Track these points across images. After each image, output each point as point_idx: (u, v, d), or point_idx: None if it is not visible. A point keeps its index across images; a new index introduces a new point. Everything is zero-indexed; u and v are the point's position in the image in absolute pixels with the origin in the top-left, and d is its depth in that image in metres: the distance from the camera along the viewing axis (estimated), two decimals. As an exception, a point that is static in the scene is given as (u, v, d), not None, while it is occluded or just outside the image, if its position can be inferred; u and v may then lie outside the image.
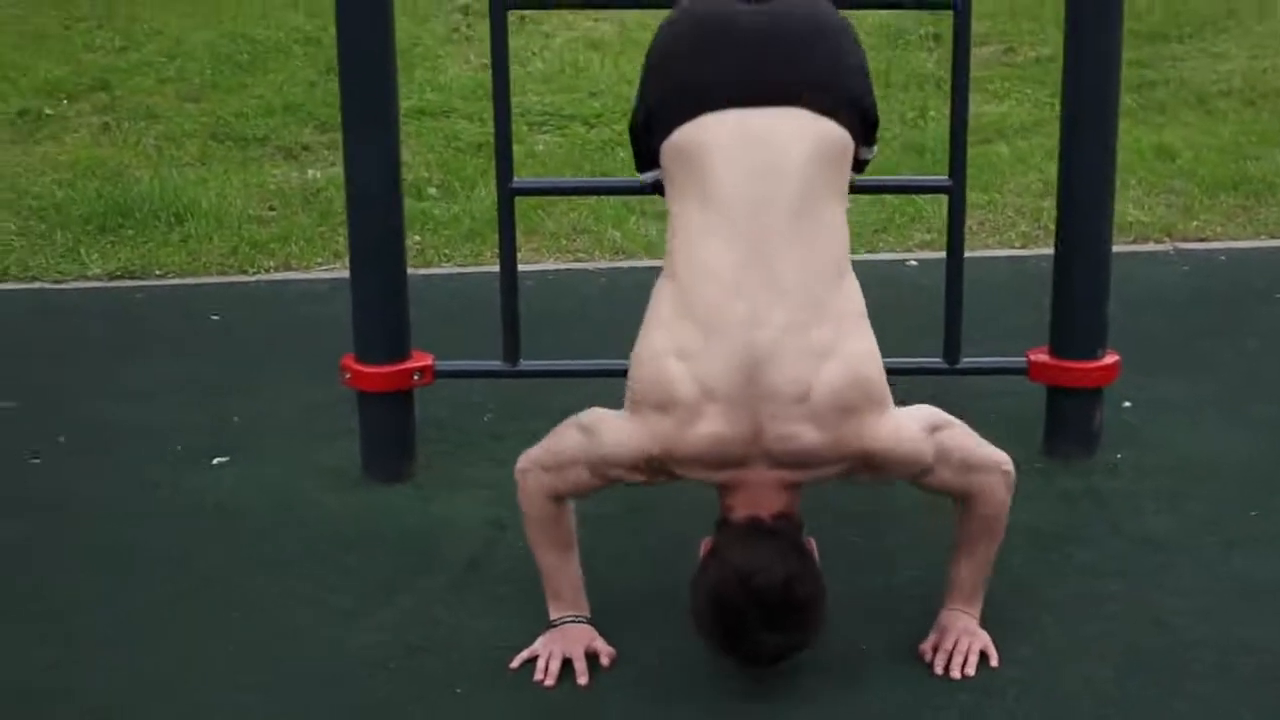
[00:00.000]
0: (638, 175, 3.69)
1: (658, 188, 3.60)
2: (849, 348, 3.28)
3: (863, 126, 3.51)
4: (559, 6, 9.56)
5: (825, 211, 3.38)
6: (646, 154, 3.56)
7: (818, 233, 3.34)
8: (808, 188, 3.35)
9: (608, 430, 3.39)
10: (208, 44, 9.34)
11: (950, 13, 4.18)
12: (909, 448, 3.33)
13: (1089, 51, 4.19)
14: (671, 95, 3.45)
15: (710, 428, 3.24)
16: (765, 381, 3.21)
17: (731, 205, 3.32)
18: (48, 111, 8.26)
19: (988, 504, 3.46)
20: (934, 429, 3.38)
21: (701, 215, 3.35)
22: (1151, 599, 3.71)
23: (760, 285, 3.25)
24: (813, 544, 3.39)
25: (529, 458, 3.54)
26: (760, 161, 3.34)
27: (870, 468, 3.34)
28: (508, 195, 4.29)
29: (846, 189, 3.48)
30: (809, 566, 3.30)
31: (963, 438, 3.42)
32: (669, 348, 3.28)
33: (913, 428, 3.35)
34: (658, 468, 3.35)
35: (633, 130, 3.60)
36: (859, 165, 3.59)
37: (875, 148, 3.65)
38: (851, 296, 3.37)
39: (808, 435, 3.24)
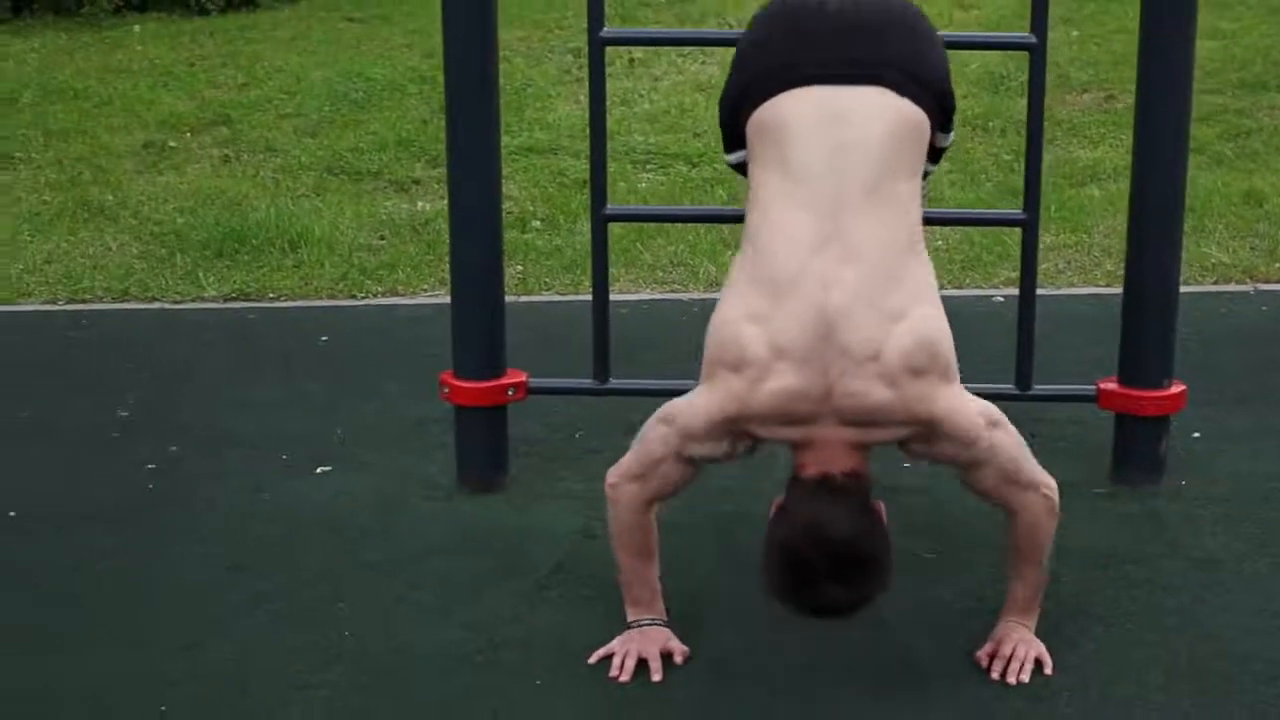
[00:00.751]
0: (725, 157, 3.87)
1: (740, 168, 3.78)
2: (919, 312, 3.42)
3: (940, 111, 3.69)
4: (655, 43, 9.83)
5: (900, 186, 3.53)
6: (733, 133, 3.74)
7: (892, 205, 3.49)
8: (884, 163, 3.51)
9: (685, 407, 3.56)
10: (325, 82, 9.63)
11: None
12: (967, 423, 3.46)
13: (1158, 101, 4.35)
14: (759, 74, 3.63)
15: (781, 383, 3.38)
16: (837, 340, 3.35)
17: (810, 175, 3.48)
18: (171, 144, 8.55)
19: (1027, 522, 3.59)
20: (992, 425, 3.51)
21: (782, 183, 3.51)
22: (1205, 615, 3.85)
23: (834, 249, 3.40)
24: (881, 506, 3.50)
25: (617, 472, 3.71)
26: (840, 135, 3.51)
27: (929, 437, 3.47)
28: (601, 220, 4.51)
29: (922, 168, 3.65)
30: (876, 524, 3.43)
31: (1015, 444, 3.56)
32: (742, 312, 3.45)
33: (974, 409, 3.49)
34: (735, 429, 3.49)
35: (721, 109, 3.79)
36: (935, 153, 3.77)
37: (952, 135, 3.82)
38: (924, 269, 3.52)
39: (877, 393, 3.38)
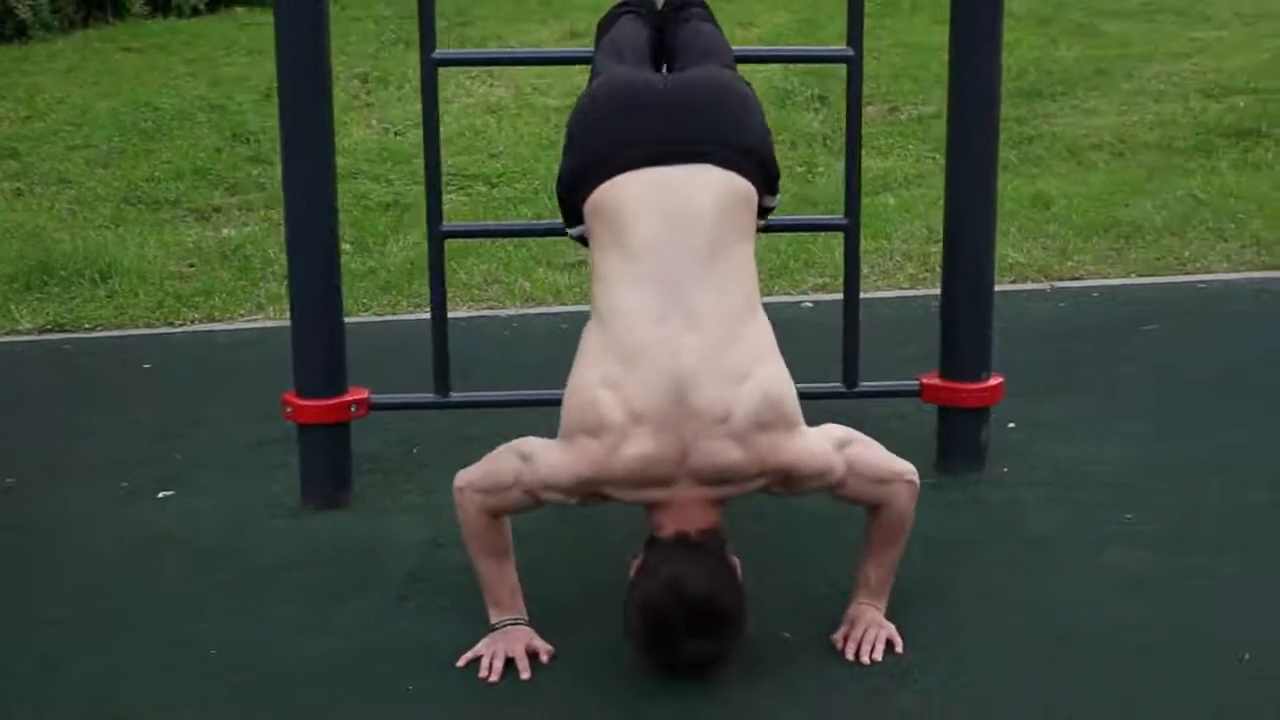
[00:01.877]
0: (566, 231, 4.02)
1: (583, 240, 3.93)
2: (762, 371, 3.60)
3: (764, 177, 3.86)
4: (487, 63, 9.93)
5: (734, 254, 3.71)
6: (572, 212, 3.90)
7: (729, 273, 3.67)
8: (717, 233, 3.68)
9: (544, 458, 3.67)
10: (112, 112, 9.58)
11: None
12: (821, 462, 3.65)
13: (970, 108, 4.56)
14: (590, 159, 3.79)
15: (639, 448, 3.54)
16: (689, 404, 3.52)
17: (648, 252, 3.65)
18: (-40, 179, 8.47)
19: (895, 510, 3.79)
20: (843, 445, 3.71)
21: (621, 264, 3.68)
22: (1038, 590, 4.07)
23: (678, 319, 3.57)
24: (737, 561, 3.68)
25: (465, 478, 3.82)
26: (673, 212, 3.68)
27: (786, 482, 3.65)
28: (438, 237, 4.61)
29: (753, 233, 3.82)
30: (733, 580, 3.60)
31: (869, 452, 3.76)
32: (597, 379, 3.59)
33: (824, 444, 3.68)
34: (591, 490, 3.65)
35: (559, 191, 3.93)
36: (763, 212, 3.94)
37: (777, 196, 4.01)
38: (763, 329, 3.70)
39: (730, 452, 3.55)
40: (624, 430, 3.54)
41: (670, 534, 3.61)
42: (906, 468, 3.79)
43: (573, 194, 3.86)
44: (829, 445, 3.69)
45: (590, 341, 3.69)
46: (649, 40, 4.30)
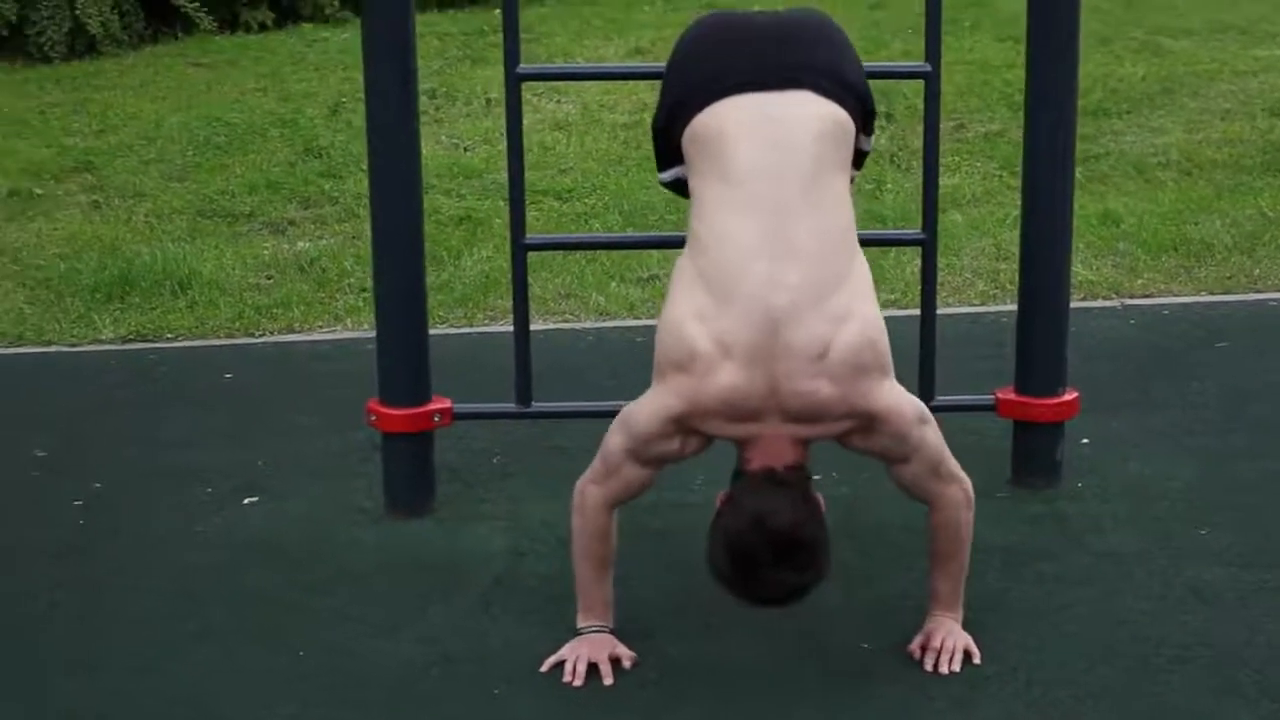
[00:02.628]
0: (659, 177, 4.06)
1: (676, 185, 3.97)
2: (865, 312, 3.63)
3: (862, 114, 3.90)
4: (570, 78, 10.01)
5: (834, 183, 3.73)
6: (667, 151, 3.93)
7: (828, 201, 3.69)
8: (817, 160, 3.71)
9: (638, 409, 3.73)
10: (184, 126, 9.67)
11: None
12: (906, 418, 3.68)
13: (1046, 126, 4.61)
14: (691, 87, 3.83)
15: (728, 379, 3.56)
16: (783, 340, 3.53)
17: (748, 178, 3.67)
18: (37, 191, 8.56)
19: (948, 516, 3.82)
20: (922, 420, 3.74)
21: (721, 189, 3.70)
22: (1115, 604, 4.12)
23: (777, 249, 3.58)
24: (820, 498, 3.70)
25: (583, 478, 3.88)
26: (773, 137, 3.71)
27: (866, 430, 3.66)
28: (521, 249, 4.69)
29: (850, 165, 3.85)
30: (815, 513, 3.63)
31: (939, 441, 3.79)
32: (688, 311, 3.61)
33: (909, 406, 3.71)
34: (685, 427, 3.66)
35: (655, 128, 3.97)
36: (859, 157, 3.98)
37: (872, 139, 4.04)
38: (861, 266, 3.72)
39: (823, 390, 3.56)
40: (713, 361, 3.56)
41: (758, 468, 3.64)
42: (964, 476, 3.84)
43: (669, 127, 3.88)
44: (913, 412, 3.72)
45: (684, 272, 3.71)
46: None
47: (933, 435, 3.76)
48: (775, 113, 3.74)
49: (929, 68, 4.60)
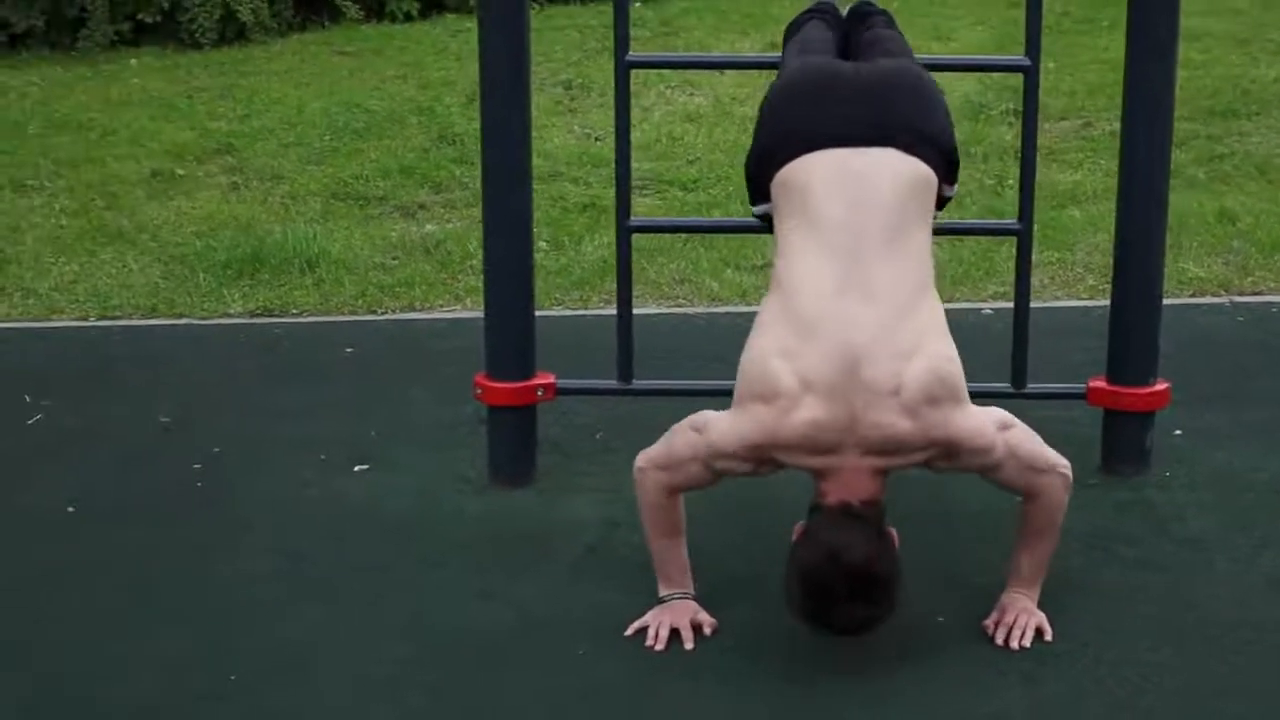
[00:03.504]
0: (751, 209, 4.22)
1: (765, 219, 4.14)
2: (933, 348, 3.77)
3: (945, 166, 4.04)
4: (676, 66, 10.16)
5: (913, 237, 3.89)
6: (758, 189, 4.10)
7: (906, 254, 3.85)
8: (898, 216, 3.87)
9: (717, 425, 3.88)
10: (325, 112, 9.92)
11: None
12: (985, 439, 3.81)
13: (1142, 127, 4.72)
14: (781, 137, 4.00)
15: (809, 414, 3.72)
16: (861, 376, 3.69)
17: (831, 229, 3.84)
18: (179, 172, 8.83)
19: (1047, 501, 3.93)
20: (1004, 427, 3.86)
21: (805, 237, 3.87)
22: (1190, 588, 4.20)
23: (856, 293, 3.75)
24: (894, 532, 3.86)
25: (646, 457, 4.04)
26: (858, 193, 3.87)
27: (949, 456, 3.82)
28: (626, 231, 4.83)
29: (931, 219, 4.00)
30: (889, 548, 3.78)
31: (1027, 438, 3.91)
32: (773, 348, 3.78)
33: (987, 423, 3.84)
34: (762, 456, 3.83)
35: (748, 168, 4.14)
36: (941, 202, 4.10)
37: (956, 186, 4.16)
38: (935, 308, 3.88)
39: (900, 424, 3.72)
40: (795, 397, 3.72)
41: (834, 502, 3.78)
42: (1061, 460, 3.94)
43: (761, 170, 4.05)
44: (992, 425, 3.84)
45: (769, 311, 3.88)
46: (835, 43, 4.49)
47: (1019, 436, 3.88)
48: (861, 169, 3.90)
49: (1028, 62, 4.69)
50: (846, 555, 3.67)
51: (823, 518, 3.79)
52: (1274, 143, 8.79)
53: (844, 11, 4.70)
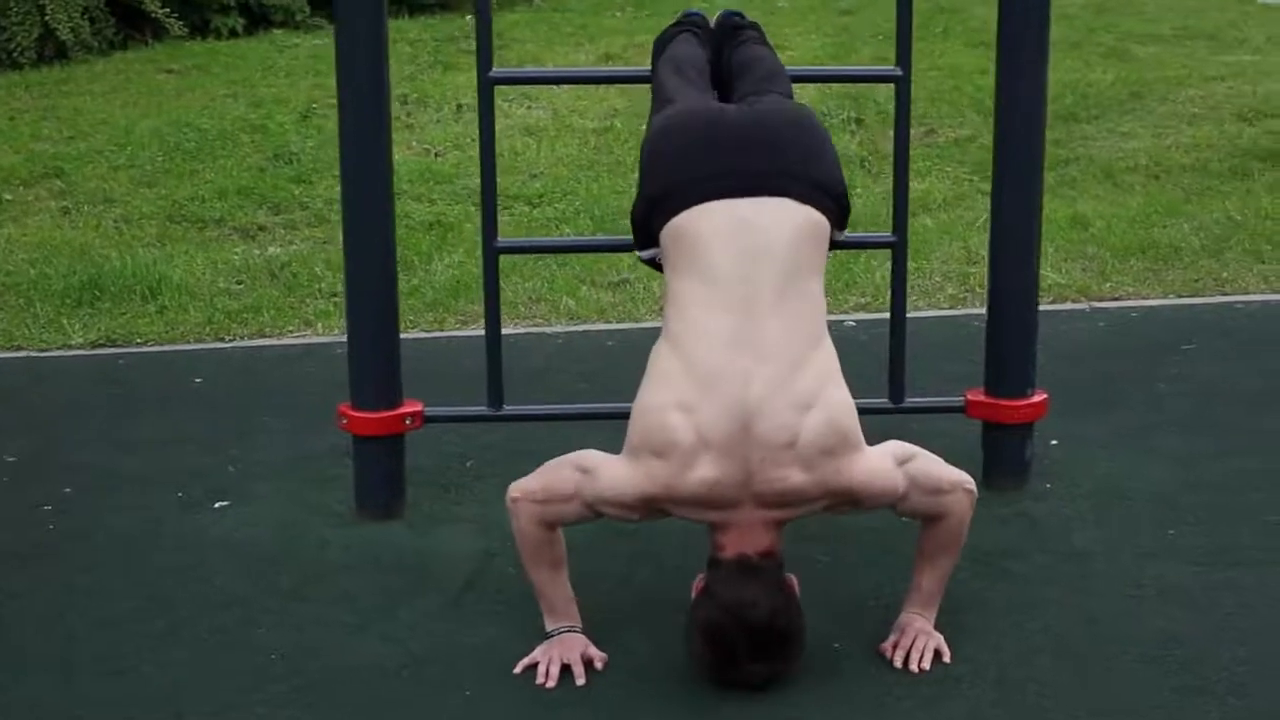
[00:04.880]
0: (637, 253, 4.11)
1: (653, 263, 4.04)
2: (826, 397, 3.69)
3: (838, 212, 3.95)
4: (542, 82, 10.04)
5: (807, 286, 3.80)
6: (645, 236, 3.98)
7: (799, 304, 3.76)
8: (792, 266, 3.77)
9: (607, 472, 3.77)
10: (155, 132, 9.67)
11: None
12: (883, 482, 3.74)
13: (1016, 130, 4.63)
14: (669, 187, 3.87)
15: (707, 472, 3.63)
16: (756, 431, 3.61)
17: (725, 281, 3.73)
18: (6, 197, 8.56)
19: (953, 519, 3.86)
20: (902, 461, 3.79)
21: (699, 288, 3.76)
22: (1081, 603, 4.14)
23: (751, 348, 3.66)
24: (794, 580, 3.79)
25: (521, 488, 3.90)
26: (750, 244, 3.76)
27: (850, 502, 3.75)
28: (493, 252, 4.70)
29: (824, 265, 3.92)
30: (791, 601, 3.71)
31: (929, 464, 3.84)
32: (670, 400, 3.68)
33: (885, 463, 3.76)
34: (654, 507, 3.74)
35: (633, 217, 4.02)
36: (832, 245, 4.01)
37: (845, 230, 4.06)
38: (828, 355, 3.79)
39: (795, 477, 3.64)
40: (692, 453, 3.63)
41: (731, 556, 3.71)
42: (964, 477, 3.87)
43: (649, 220, 3.94)
44: (891, 463, 3.77)
45: (662, 362, 3.78)
46: (707, 61, 4.39)
47: (919, 466, 3.81)
48: (753, 220, 3.80)
49: (900, 72, 4.62)
50: (749, 613, 3.61)
51: (722, 573, 3.71)
52: (1115, 146, 8.87)
53: (712, 21, 4.59)
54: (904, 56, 4.61)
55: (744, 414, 3.62)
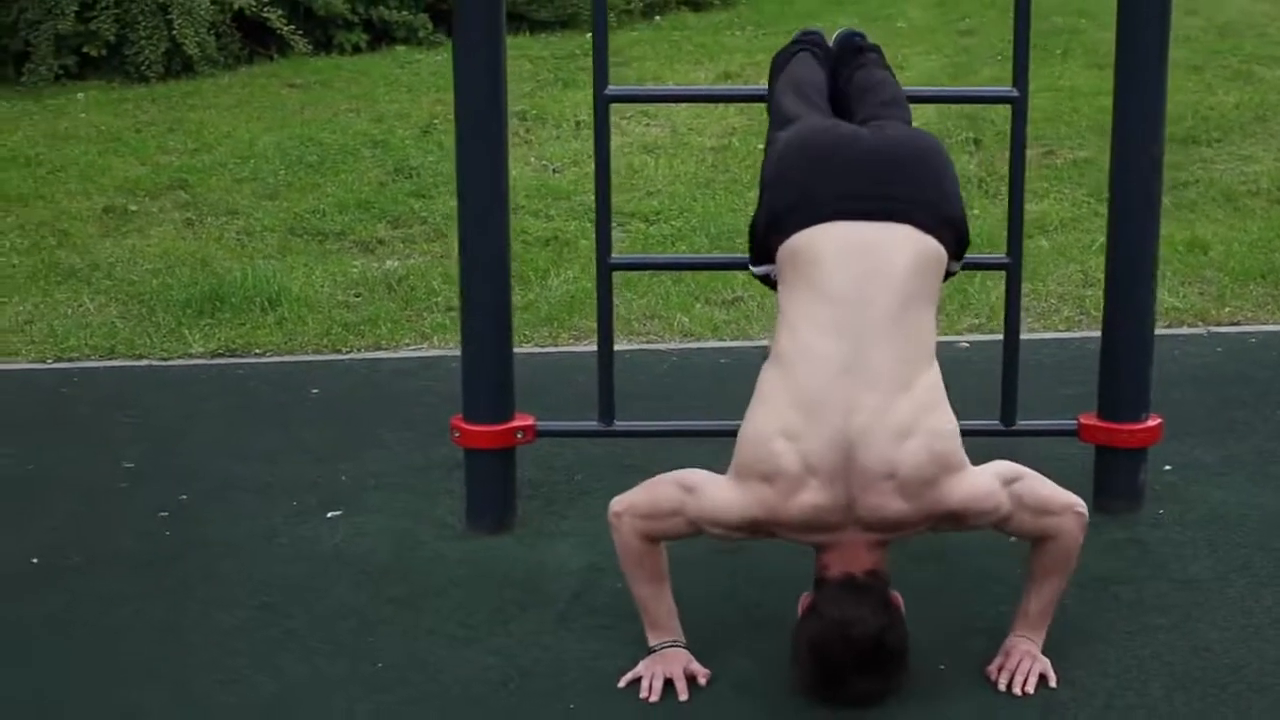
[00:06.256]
0: (750, 268, 4.13)
1: (766, 280, 4.06)
2: (927, 424, 3.68)
3: (957, 243, 3.95)
4: (656, 100, 10.10)
5: (920, 315, 3.81)
6: (763, 251, 4.00)
7: (911, 333, 3.77)
8: (907, 294, 3.78)
9: (713, 493, 3.78)
10: (278, 146, 9.79)
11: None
12: (988, 502, 3.73)
13: (1131, 153, 4.60)
14: (792, 205, 3.89)
15: (811, 498, 3.65)
16: (859, 460, 3.62)
17: (839, 303, 3.74)
18: (131, 208, 8.68)
19: (1062, 542, 3.85)
20: (1008, 481, 3.77)
21: (811, 309, 3.77)
22: (1193, 631, 4.11)
23: (859, 374, 3.67)
24: (899, 598, 3.79)
25: (624, 502, 3.93)
26: (868, 268, 3.77)
27: (954, 522, 3.75)
28: (606, 269, 4.73)
29: (939, 295, 3.92)
30: (896, 618, 3.71)
31: (1037, 485, 3.82)
32: (776, 428, 3.69)
33: (989, 482, 3.75)
34: (759, 529, 3.76)
35: (753, 231, 4.04)
36: (946, 275, 4.01)
37: (962, 262, 4.07)
38: (934, 382, 3.78)
39: (895, 505, 3.65)
40: (798, 479, 3.65)
41: (837, 574, 3.72)
42: (1075, 499, 3.85)
43: (769, 235, 3.95)
44: (996, 483, 3.76)
45: (769, 385, 3.79)
46: (826, 82, 4.39)
47: (1026, 486, 3.80)
48: (872, 244, 3.81)
49: (1016, 93, 4.60)
50: (855, 630, 3.62)
51: (829, 591, 3.72)
52: (1237, 170, 8.77)
53: (832, 43, 4.59)
54: (1020, 77, 4.59)
55: (846, 442, 3.63)
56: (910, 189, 3.88)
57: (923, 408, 3.70)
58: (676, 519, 3.84)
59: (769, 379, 3.80)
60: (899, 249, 3.81)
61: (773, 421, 3.71)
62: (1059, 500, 3.83)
